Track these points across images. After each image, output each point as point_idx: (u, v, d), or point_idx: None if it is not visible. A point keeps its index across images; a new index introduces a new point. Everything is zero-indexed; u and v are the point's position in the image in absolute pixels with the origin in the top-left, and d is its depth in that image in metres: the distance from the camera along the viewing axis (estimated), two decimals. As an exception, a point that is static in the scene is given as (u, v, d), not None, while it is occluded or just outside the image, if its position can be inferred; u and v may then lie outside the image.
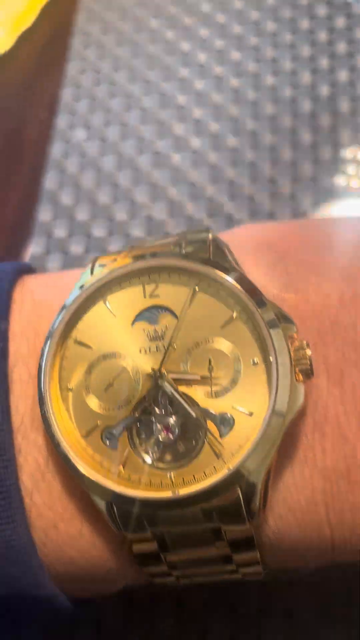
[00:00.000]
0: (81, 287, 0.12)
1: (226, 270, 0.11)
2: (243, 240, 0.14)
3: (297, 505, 0.12)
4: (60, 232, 0.28)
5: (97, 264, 0.13)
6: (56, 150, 0.30)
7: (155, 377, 0.11)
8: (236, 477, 0.11)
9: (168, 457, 0.11)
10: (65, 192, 0.29)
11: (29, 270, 0.17)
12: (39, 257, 0.28)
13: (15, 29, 0.32)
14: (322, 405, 0.12)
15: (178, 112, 0.30)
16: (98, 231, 0.28)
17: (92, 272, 0.13)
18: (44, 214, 0.29)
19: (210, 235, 0.13)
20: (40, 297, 0.14)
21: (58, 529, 0.13)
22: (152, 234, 0.27)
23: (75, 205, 0.29)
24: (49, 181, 0.30)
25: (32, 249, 0.28)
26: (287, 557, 0.14)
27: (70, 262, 0.28)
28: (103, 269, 0.12)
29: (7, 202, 0.29)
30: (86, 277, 0.13)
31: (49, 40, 0.31)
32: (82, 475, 0.11)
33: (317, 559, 0.14)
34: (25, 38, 0.32)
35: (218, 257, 0.12)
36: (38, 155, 0.30)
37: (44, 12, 0.33)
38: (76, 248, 0.28)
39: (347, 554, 0.13)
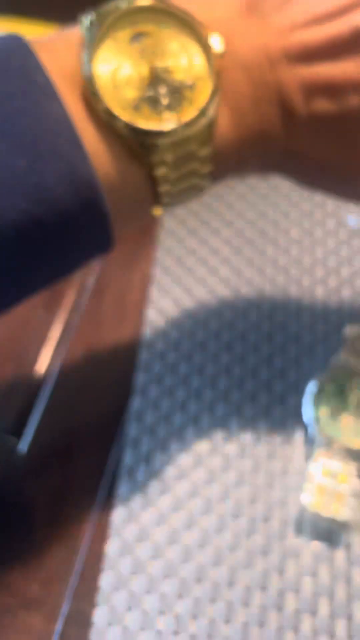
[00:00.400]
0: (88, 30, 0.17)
1: (170, 5, 0.17)
2: None
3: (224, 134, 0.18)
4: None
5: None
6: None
7: (152, 69, 0.16)
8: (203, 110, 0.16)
9: (167, 112, 0.16)
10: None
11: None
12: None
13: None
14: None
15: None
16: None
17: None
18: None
19: None
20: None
21: (108, 171, 0.16)
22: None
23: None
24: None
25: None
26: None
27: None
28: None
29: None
30: (86, 24, 0.17)
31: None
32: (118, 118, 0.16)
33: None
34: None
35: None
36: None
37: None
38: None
39: None
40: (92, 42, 0.16)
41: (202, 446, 0.28)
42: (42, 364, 0.31)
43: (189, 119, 0.16)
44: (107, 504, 0.27)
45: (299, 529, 0.25)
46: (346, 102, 0.17)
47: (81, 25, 0.17)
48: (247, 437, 0.28)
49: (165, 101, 0.16)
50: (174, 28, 0.17)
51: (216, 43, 0.17)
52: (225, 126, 0.17)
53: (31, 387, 0.31)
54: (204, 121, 0.16)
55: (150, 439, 0.29)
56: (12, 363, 0.32)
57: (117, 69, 0.16)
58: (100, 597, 0.25)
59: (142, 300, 0.33)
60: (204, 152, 0.17)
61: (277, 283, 0.32)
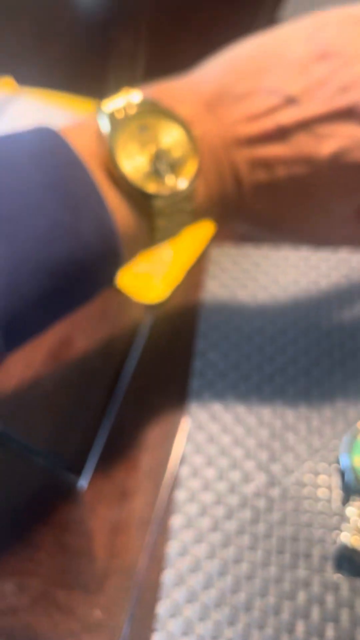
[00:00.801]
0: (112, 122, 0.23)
1: (162, 107, 0.24)
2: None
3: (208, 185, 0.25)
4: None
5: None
6: None
7: (155, 150, 0.23)
8: (191, 177, 0.24)
9: (167, 180, 0.23)
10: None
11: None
12: None
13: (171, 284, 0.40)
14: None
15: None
16: None
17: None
18: None
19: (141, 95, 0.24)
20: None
21: (124, 222, 0.23)
22: None
23: None
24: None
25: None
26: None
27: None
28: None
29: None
30: (105, 118, 0.23)
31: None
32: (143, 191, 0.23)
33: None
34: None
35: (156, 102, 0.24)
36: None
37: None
38: None
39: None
40: (114, 132, 0.23)
41: (247, 488, 0.31)
42: (100, 407, 0.35)
43: (185, 183, 0.23)
44: (162, 537, 0.30)
45: (338, 565, 0.29)
46: (275, 172, 0.25)
47: (99, 117, 0.23)
48: (289, 481, 0.31)
49: (166, 172, 0.23)
50: (165, 121, 0.23)
51: (195, 131, 0.24)
52: (200, 190, 0.24)
53: (91, 425, 0.34)
54: (190, 187, 0.23)
55: (200, 480, 0.32)
56: (72, 401, 0.35)
57: (131, 151, 0.23)
58: (157, 623, 0.28)
59: (188, 354, 0.37)
60: (188, 206, 0.24)
61: (319, 344, 0.36)
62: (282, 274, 0.40)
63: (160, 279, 0.40)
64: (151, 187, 0.23)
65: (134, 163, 0.22)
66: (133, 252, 0.24)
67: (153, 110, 0.24)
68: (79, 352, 0.37)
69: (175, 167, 0.23)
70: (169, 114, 0.24)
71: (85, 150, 0.22)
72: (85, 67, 0.55)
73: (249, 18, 0.57)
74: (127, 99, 0.24)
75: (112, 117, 0.23)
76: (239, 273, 0.40)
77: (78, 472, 0.33)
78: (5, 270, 0.20)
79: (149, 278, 0.39)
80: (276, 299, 0.39)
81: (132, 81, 0.49)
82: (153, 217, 0.23)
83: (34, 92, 0.49)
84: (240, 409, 0.34)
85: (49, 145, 0.22)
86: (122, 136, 0.23)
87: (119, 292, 0.39)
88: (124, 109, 0.23)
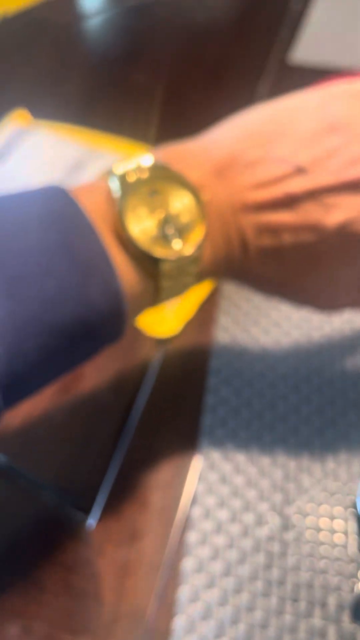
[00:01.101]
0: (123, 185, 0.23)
1: (172, 172, 0.24)
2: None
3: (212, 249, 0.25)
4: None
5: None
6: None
7: (164, 214, 0.23)
8: (198, 243, 0.24)
9: (174, 244, 0.23)
10: None
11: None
12: None
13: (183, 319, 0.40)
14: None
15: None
16: None
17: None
18: None
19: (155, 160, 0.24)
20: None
21: (131, 284, 0.23)
22: None
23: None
24: None
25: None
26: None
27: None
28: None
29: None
30: (115, 181, 0.23)
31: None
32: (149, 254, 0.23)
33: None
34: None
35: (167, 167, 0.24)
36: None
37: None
38: None
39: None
40: (124, 196, 0.23)
41: (261, 531, 0.30)
42: (109, 443, 0.34)
43: (191, 249, 0.23)
44: (172, 581, 0.29)
45: (356, 615, 0.28)
46: (281, 238, 0.25)
47: (110, 179, 0.23)
48: (304, 524, 0.31)
49: (173, 237, 0.23)
50: (175, 186, 0.24)
51: (204, 196, 0.24)
52: (206, 253, 0.25)
53: (100, 461, 0.33)
54: (196, 252, 0.24)
55: (212, 521, 0.31)
56: (81, 435, 0.34)
57: (140, 215, 0.23)
58: (167, 672, 0.27)
59: (201, 389, 0.36)
60: (194, 269, 0.24)
61: (331, 381, 0.36)
62: (295, 311, 0.39)
63: (173, 313, 0.39)
64: (158, 252, 0.23)
65: (142, 227, 0.23)
66: (137, 311, 0.25)
67: (164, 175, 0.24)
68: (89, 386, 0.36)
69: (182, 232, 0.23)
70: (179, 180, 0.24)
71: (95, 212, 0.23)
72: (100, 102, 0.56)
73: (260, 59, 0.58)
74: (138, 162, 0.24)
75: (123, 180, 0.23)
76: (251, 309, 0.40)
77: (86, 509, 0.32)
78: (10, 331, 0.20)
79: (161, 312, 0.39)
80: (289, 335, 0.38)
81: (146, 117, 0.50)
82: (159, 278, 0.24)
83: (49, 126, 0.50)
84: (254, 448, 0.33)
85: (59, 206, 0.22)
86: (132, 200, 0.23)
87: (130, 326, 0.39)
88: (135, 172, 0.24)
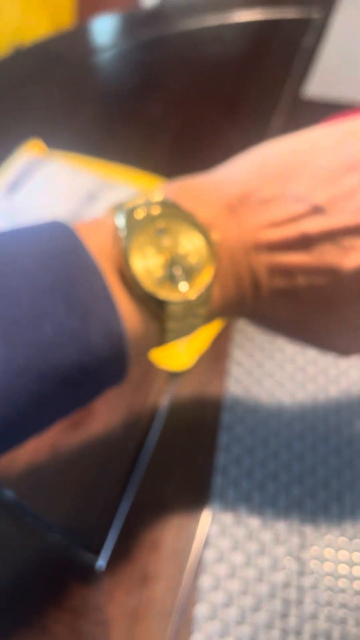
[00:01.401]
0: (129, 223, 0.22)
1: (182, 211, 0.23)
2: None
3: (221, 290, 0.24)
4: None
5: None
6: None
7: (171, 255, 0.22)
8: (206, 285, 0.23)
9: (181, 286, 0.22)
10: None
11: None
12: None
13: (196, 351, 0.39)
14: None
15: None
16: None
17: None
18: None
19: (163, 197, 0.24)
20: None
21: (135, 327, 0.22)
22: None
23: None
24: None
25: None
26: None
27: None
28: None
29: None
30: (122, 218, 0.22)
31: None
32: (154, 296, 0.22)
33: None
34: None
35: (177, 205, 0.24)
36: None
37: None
38: None
39: None
40: (130, 234, 0.22)
41: (277, 576, 0.29)
42: (120, 481, 0.33)
43: (198, 291, 0.22)
44: (184, 628, 0.28)
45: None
46: (295, 280, 0.24)
47: (117, 216, 0.23)
48: (322, 570, 0.29)
49: (180, 278, 0.22)
50: (185, 225, 0.23)
51: (215, 236, 0.23)
52: (215, 295, 0.24)
53: (110, 500, 0.32)
54: (204, 294, 0.23)
55: (226, 565, 0.30)
56: (91, 473, 0.33)
57: (146, 255, 0.22)
58: None
59: (214, 426, 0.35)
60: (202, 311, 0.23)
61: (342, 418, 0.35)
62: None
63: (185, 346, 0.39)
64: (164, 293, 0.22)
65: (148, 267, 0.22)
66: (142, 353, 0.24)
67: (173, 213, 0.23)
68: (99, 421, 0.36)
69: (190, 274, 0.23)
70: (188, 219, 0.23)
71: (99, 250, 0.22)
72: (114, 134, 0.56)
73: (273, 93, 0.59)
74: (147, 198, 0.23)
75: (130, 217, 0.22)
76: (265, 343, 0.39)
77: (96, 551, 0.31)
78: (2, 380, 0.19)
79: (173, 345, 0.38)
80: (305, 371, 0.37)
81: (159, 149, 0.50)
82: (164, 320, 0.23)
83: (63, 156, 0.50)
84: (270, 487, 0.32)
85: (60, 243, 0.21)
86: (138, 238, 0.22)
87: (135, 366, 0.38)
88: (144, 209, 0.23)
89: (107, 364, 0.21)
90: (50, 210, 0.44)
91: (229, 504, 0.32)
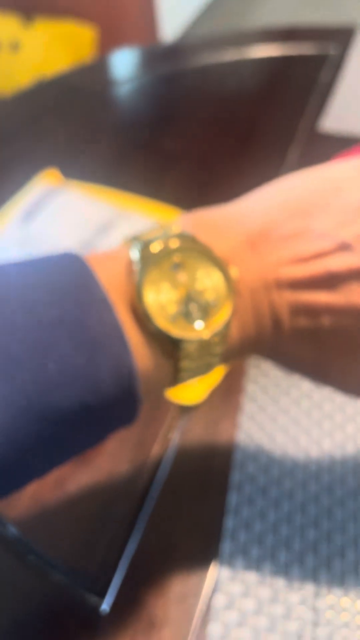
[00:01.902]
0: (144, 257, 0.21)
1: (199, 244, 0.22)
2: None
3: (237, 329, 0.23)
4: None
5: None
6: None
7: (186, 291, 0.21)
8: (224, 323, 0.21)
9: (197, 323, 0.21)
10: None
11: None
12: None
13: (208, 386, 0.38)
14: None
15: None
16: None
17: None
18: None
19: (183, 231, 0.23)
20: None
21: (147, 363, 0.21)
22: None
23: None
24: None
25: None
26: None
27: None
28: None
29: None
30: (137, 250, 0.22)
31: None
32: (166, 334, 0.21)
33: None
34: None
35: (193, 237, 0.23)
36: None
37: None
38: None
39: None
40: (144, 268, 0.21)
41: (290, 626, 0.28)
42: (126, 520, 0.32)
43: (214, 330, 0.21)
44: None
45: None
46: (319, 320, 0.23)
47: (132, 249, 0.22)
48: (338, 621, 0.28)
49: (196, 315, 0.21)
50: (202, 260, 0.22)
51: (233, 272, 0.22)
52: (233, 333, 0.22)
53: (117, 539, 0.31)
54: (221, 330, 0.21)
55: (236, 612, 0.28)
56: (98, 510, 0.32)
57: (160, 290, 0.21)
58: None
59: (226, 464, 0.34)
60: (218, 349, 0.22)
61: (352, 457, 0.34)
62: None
63: (198, 379, 0.38)
64: (178, 331, 0.21)
65: (162, 302, 0.21)
66: (154, 392, 0.23)
67: (190, 246, 0.22)
68: (106, 457, 0.34)
69: (207, 311, 0.21)
70: (206, 254, 0.22)
71: (111, 283, 0.21)
72: (130, 166, 0.56)
73: (290, 128, 0.59)
74: (164, 231, 0.22)
75: (145, 250, 0.22)
76: (281, 379, 0.38)
77: (100, 593, 0.29)
78: (1, 420, 0.18)
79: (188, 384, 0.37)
80: (321, 408, 0.36)
81: (175, 182, 0.50)
82: (179, 359, 0.21)
83: (79, 186, 0.50)
84: (284, 530, 0.31)
85: (72, 277, 0.20)
86: (153, 272, 0.21)
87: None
88: (160, 242, 0.22)
89: (116, 404, 0.20)
90: (64, 239, 0.44)
91: (240, 547, 0.30)
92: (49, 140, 0.60)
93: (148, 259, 0.21)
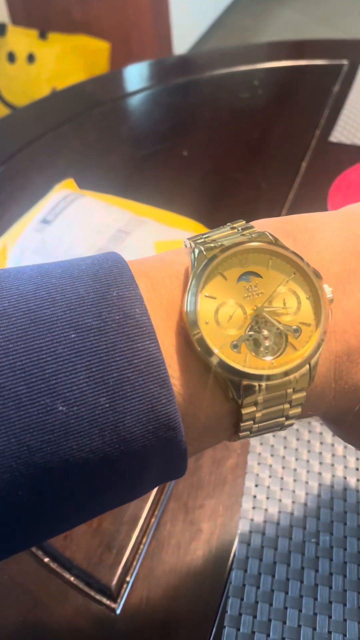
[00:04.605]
0: (200, 263, 0.17)
1: (284, 248, 0.17)
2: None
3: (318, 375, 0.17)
4: None
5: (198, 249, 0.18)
6: None
7: (257, 310, 0.17)
8: (308, 359, 0.16)
9: (269, 355, 0.17)
10: None
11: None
12: None
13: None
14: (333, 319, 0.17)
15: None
16: None
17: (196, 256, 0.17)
18: None
19: (253, 227, 0.18)
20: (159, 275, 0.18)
21: (194, 405, 0.16)
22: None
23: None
24: None
25: None
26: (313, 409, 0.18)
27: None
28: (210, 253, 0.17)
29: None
30: (195, 255, 0.17)
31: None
32: (220, 361, 0.16)
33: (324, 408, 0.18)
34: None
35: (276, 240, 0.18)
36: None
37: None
38: None
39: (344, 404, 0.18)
40: (201, 278, 0.17)
41: None
42: (139, 523, 0.32)
43: (291, 366, 0.16)
44: None
45: None
46: None
47: (191, 254, 0.17)
48: None
49: (267, 343, 0.17)
50: (284, 271, 0.17)
51: (327, 291, 0.17)
52: (322, 375, 0.17)
53: (128, 546, 0.31)
54: (305, 369, 0.16)
55: (252, 618, 0.28)
56: (110, 521, 0.32)
57: (221, 305, 0.17)
58: None
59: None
60: (298, 396, 0.17)
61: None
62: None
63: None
64: (240, 361, 0.16)
65: (220, 322, 0.16)
66: (204, 443, 0.18)
67: (271, 251, 0.17)
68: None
69: (284, 339, 0.17)
70: (292, 264, 0.17)
71: (157, 299, 0.17)
72: (143, 175, 0.57)
73: (302, 138, 0.59)
74: (238, 230, 0.18)
75: (205, 256, 0.17)
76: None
77: (115, 596, 0.29)
78: None
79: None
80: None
81: (187, 191, 0.50)
82: (241, 405, 0.16)
83: (94, 195, 0.50)
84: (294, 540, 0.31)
85: (106, 283, 0.16)
86: (213, 283, 0.17)
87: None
88: (228, 242, 0.17)
89: (149, 457, 0.16)
90: (80, 245, 0.44)
91: (256, 527, 0.30)
92: (65, 149, 0.61)
93: (211, 263, 0.17)
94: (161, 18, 1.53)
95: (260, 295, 0.17)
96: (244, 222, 0.19)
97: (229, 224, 0.19)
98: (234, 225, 0.19)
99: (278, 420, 0.17)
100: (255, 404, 0.16)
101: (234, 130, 0.62)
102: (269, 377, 0.16)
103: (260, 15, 2.09)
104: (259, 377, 0.16)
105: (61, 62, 1.44)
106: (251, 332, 0.16)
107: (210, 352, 0.16)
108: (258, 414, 0.17)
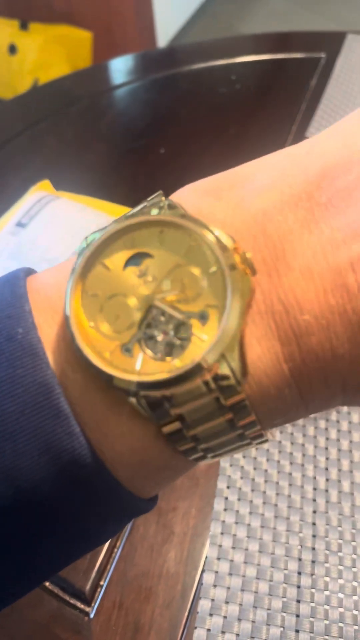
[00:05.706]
0: (79, 255, 0.14)
1: (181, 216, 0.14)
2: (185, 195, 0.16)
3: (264, 371, 0.13)
4: None
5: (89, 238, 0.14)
6: None
7: (148, 300, 0.13)
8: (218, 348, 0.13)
9: (172, 354, 0.13)
10: None
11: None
12: None
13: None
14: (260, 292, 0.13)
15: None
16: None
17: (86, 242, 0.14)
18: None
19: (162, 197, 0.15)
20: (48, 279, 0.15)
21: (107, 434, 0.13)
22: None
23: None
24: None
25: None
26: (274, 414, 0.14)
27: None
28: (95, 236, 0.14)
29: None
30: (82, 246, 0.14)
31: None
32: (110, 376, 0.13)
33: (294, 412, 0.15)
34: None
35: (171, 208, 0.14)
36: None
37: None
38: None
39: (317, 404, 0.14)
40: (75, 273, 0.14)
41: (275, 604, 0.28)
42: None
43: (195, 362, 0.13)
44: None
45: None
46: None
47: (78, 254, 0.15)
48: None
49: (161, 339, 0.13)
50: (182, 243, 0.14)
51: (248, 256, 0.13)
52: (269, 360, 0.13)
53: (101, 550, 0.31)
54: (225, 366, 0.13)
55: (222, 619, 0.29)
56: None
57: (106, 302, 0.14)
58: None
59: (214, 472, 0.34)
60: (235, 400, 0.13)
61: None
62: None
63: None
64: (130, 369, 0.13)
65: (103, 325, 0.14)
66: (152, 472, 0.15)
67: (151, 222, 0.14)
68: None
69: (189, 331, 0.13)
70: (182, 229, 0.14)
71: (45, 307, 0.14)
72: (121, 173, 0.57)
73: (280, 132, 0.59)
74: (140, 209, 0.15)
75: (82, 246, 0.15)
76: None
77: (88, 600, 0.30)
78: None
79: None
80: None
81: (164, 189, 0.50)
82: (159, 423, 0.14)
83: (69, 196, 0.50)
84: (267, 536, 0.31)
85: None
86: (92, 276, 0.14)
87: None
88: (121, 222, 0.14)
89: (68, 500, 0.14)
90: (55, 247, 0.44)
91: (227, 529, 0.31)
92: (42, 148, 0.60)
93: (80, 255, 0.14)
94: (144, 6, 1.51)
95: (152, 280, 0.13)
96: (160, 192, 0.16)
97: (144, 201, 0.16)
98: (148, 200, 0.15)
99: (230, 436, 0.14)
100: (180, 419, 0.13)
101: (211, 127, 0.61)
102: (168, 383, 0.13)
103: (245, 1, 2.07)
104: (156, 385, 0.13)
105: (43, 52, 1.42)
106: (145, 330, 0.13)
107: (98, 363, 0.13)
108: (192, 432, 0.13)
